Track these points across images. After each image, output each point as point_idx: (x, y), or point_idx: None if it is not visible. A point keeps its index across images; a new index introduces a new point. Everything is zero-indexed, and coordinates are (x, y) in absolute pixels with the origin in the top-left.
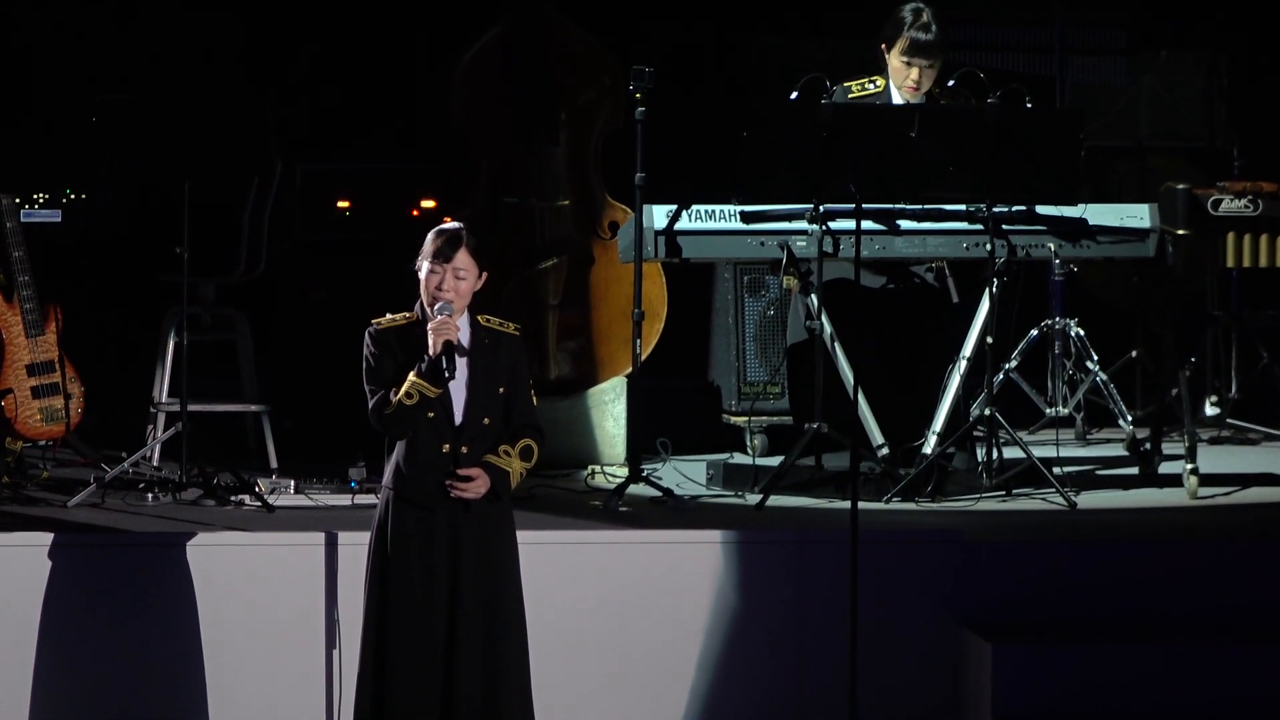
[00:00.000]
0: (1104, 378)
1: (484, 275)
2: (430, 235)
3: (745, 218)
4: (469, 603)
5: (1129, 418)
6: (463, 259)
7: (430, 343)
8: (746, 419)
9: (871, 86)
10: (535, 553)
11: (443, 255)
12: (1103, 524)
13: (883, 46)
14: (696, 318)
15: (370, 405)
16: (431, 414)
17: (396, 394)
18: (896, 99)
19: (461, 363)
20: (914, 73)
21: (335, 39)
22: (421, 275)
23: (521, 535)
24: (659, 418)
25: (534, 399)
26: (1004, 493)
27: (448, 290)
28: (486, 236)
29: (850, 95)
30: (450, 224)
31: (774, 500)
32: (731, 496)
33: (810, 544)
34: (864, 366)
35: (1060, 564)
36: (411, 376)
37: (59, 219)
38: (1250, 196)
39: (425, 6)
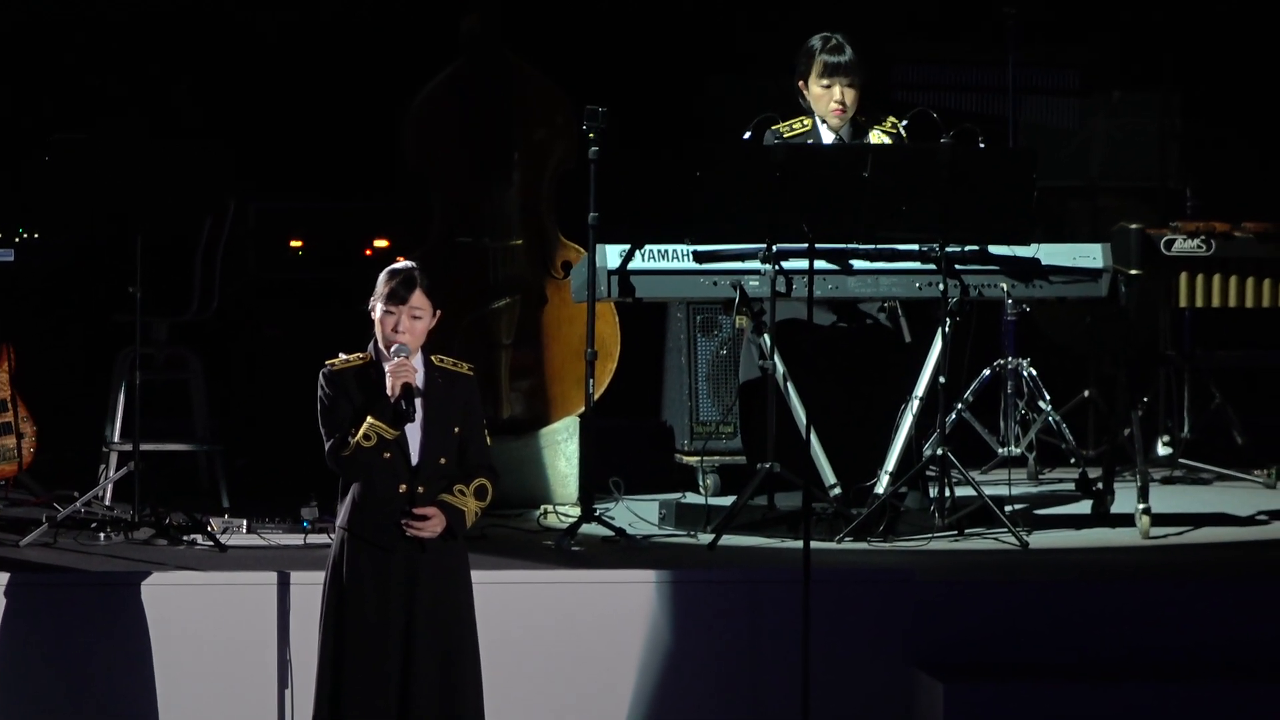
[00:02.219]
0: (1056, 417)
1: (438, 313)
2: (383, 276)
3: (698, 257)
4: (424, 642)
5: (1081, 457)
6: (418, 299)
7: (389, 385)
8: (699, 459)
9: (800, 126)
10: (488, 592)
11: (398, 296)
12: (1055, 564)
13: (800, 83)
14: (649, 357)
15: (327, 447)
16: (388, 454)
17: (354, 436)
18: (826, 135)
19: (417, 403)
20: (836, 92)
21: (289, 78)
22: (376, 317)
23: (474, 575)
24: (612, 457)
25: (487, 439)
26: (956, 532)
27: (404, 332)
28: (439, 276)
29: (782, 137)
30: (402, 264)
31: (726, 540)
32: (684, 536)
33: (763, 584)
34: (816, 406)
35: (1012, 604)
36: (370, 418)
37: (11, 258)
38: (1203, 236)
39: (378, 45)
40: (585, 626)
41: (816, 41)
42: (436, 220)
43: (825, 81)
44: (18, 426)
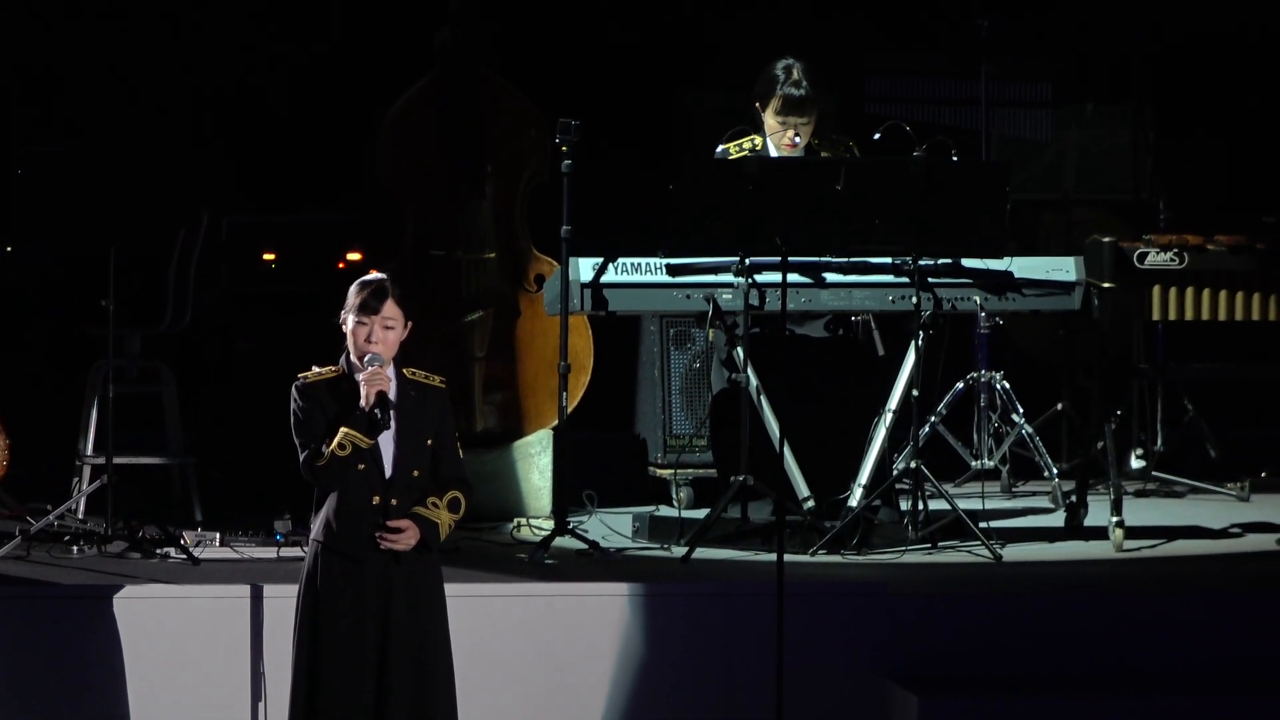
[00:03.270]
0: (1029, 430)
1: (410, 324)
2: (354, 288)
3: (671, 270)
4: (398, 655)
5: (1054, 470)
6: (390, 309)
7: (363, 394)
8: (672, 471)
9: (750, 146)
10: (461, 605)
11: (369, 307)
12: (1028, 576)
13: (757, 105)
14: (623, 370)
15: (302, 458)
16: (362, 466)
17: (328, 446)
18: (774, 156)
19: (390, 414)
20: (790, 131)
21: (262, 90)
22: (348, 329)
23: (448, 588)
24: (585, 470)
25: (460, 451)
26: (929, 545)
27: (377, 342)
28: (412, 289)
29: (730, 157)
30: (373, 275)
31: (700, 553)
32: (657, 549)
33: (736, 597)
34: (789, 419)
35: (985, 616)
36: (344, 428)
37: None
38: (1176, 249)
39: (352, 58)
40: (558, 639)
41: (779, 72)
42: (409, 233)
43: (781, 117)
44: None
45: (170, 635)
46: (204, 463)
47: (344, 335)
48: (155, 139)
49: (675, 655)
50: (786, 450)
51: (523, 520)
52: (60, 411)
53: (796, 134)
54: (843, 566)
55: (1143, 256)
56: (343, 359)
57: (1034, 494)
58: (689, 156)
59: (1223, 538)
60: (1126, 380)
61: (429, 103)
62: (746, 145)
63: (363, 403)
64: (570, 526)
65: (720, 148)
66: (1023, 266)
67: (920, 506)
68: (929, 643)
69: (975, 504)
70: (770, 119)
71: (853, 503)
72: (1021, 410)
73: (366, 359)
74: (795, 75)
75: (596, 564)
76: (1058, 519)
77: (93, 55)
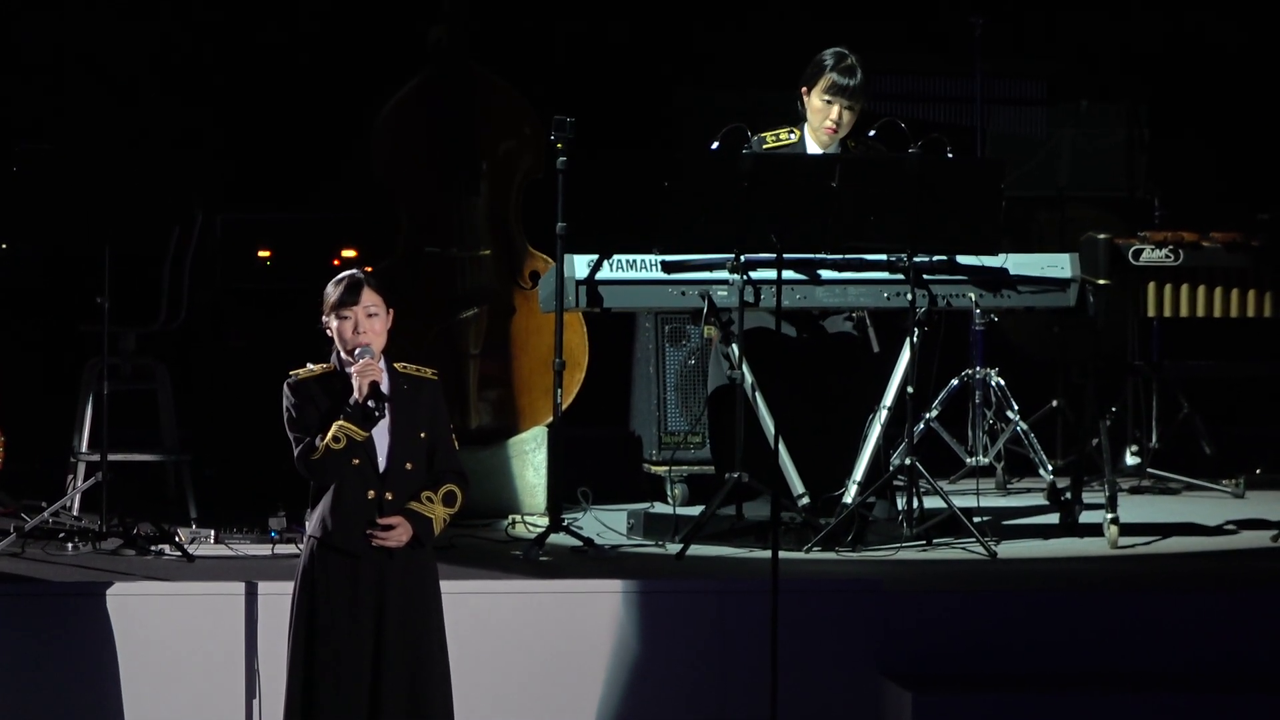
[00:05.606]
0: (1024, 427)
1: (392, 311)
2: (329, 288)
3: (666, 267)
4: (394, 651)
5: (1049, 467)
6: (369, 297)
7: (355, 386)
8: (667, 468)
9: (789, 137)
10: (456, 602)
11: (348, 301)
12: (1023, 573)
13: (803, 90)
14: (618, 367)
15: (296, 452)
16: (356, 460)
17: (322, 439)
18: (812, 149)
19: (384, 406)
20: (834, 111)
21: (256, 88)
22: (333, 328)
23: (443, 585)
24: (580, 467)
25: (455, 443)
26: (924, 542)
27: (364, 332)
28: (407, 286)
29: (766, 146)
30: (345, 272)
31: (694, 550)
32: (652, 546)
33: (730, 594)
34: (785, 416)
35: (980, 613)
36: (338, 421)
37: None
38: (1171, 246)
39: (347, 56)
40: (553, 636)
41: (829, 58)
42: (404, 231)
43: (828, 98)
44: None
45: (165, 632)
46: (199, 460)
47: (330, 338)
48: (149, 137)
49: (670, 652)
50: (781, 447)
51: (517, 517)
52: (55, 409)
53: (840, 116)
54: (837, 563)
55: (1137, 253)
56: (333, 356)
57: (1029, 491)
58: (684, 153)
59: (1217, 534)
60: (1121, 377)
61: (423, 100)
62: (785, 137)
63: (355, 395)
64: (565, 523)
65: (756, 137)
66: (1018, 263)
67: (915, 503)
68: (924, 640)
69: (970, 501)
70: (816, 99)
71: (848, 500)
72: (1016, 407)
73: (358, 352)
74: (849, 61)
75: (591, 561)
76: (1053, 516)
77: (89, 52)
